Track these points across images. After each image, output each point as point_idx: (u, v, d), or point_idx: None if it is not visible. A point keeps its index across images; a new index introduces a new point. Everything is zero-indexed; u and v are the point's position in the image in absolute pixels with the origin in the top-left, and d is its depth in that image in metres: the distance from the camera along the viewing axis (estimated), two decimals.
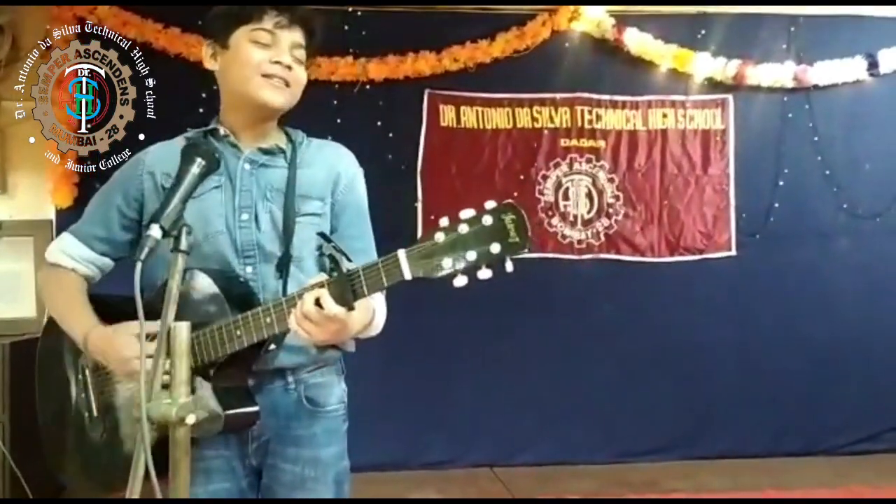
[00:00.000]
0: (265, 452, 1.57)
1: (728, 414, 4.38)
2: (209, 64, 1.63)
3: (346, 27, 4.06)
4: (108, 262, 1.65)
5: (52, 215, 3.98)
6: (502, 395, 4.25)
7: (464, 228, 1.18)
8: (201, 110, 3.92)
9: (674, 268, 4.41)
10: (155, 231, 1.20)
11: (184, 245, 1.22)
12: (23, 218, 4.03)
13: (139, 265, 1.17)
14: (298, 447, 1.57)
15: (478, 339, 4.21)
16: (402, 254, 1.21)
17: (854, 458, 4.35)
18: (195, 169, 1.29)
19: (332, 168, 1.64)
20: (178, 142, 1.64)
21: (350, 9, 4.05)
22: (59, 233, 4.09)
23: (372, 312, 1.49)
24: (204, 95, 3.92)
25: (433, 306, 3.53)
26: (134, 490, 1.05)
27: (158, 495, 1.06)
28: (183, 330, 1.16)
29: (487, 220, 1.17)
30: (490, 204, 1.18)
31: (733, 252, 4.45)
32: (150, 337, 1.20)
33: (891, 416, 4.46)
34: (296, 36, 1.56)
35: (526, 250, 1.16)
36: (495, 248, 1.15)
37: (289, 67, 1.55)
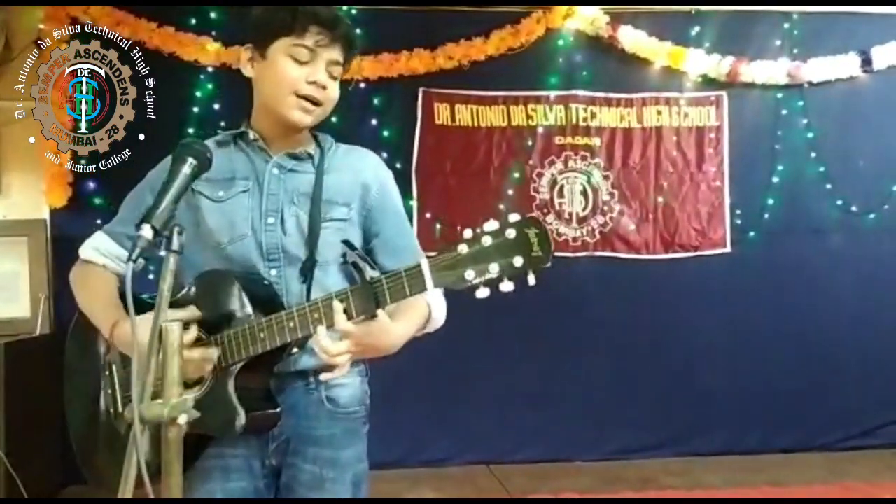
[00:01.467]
0: (285, 452, 1.58)
1: (723, 410, 4.39)
2: (246, 70, 1.60)
3: None
4: (139, 260, 1.65)
5: (46, 215, 3.97)
6: (499, 393, 4.26)
7: (487, 241, 1.19)
8: (196, 109, 3.93)
9: (669, 265, 4.42)
10: (146, 231, 1.20)
11: (175, 245, 1.22)
12: (17, 218, 4.03)
13: (130, 265, 1.17)
14: (318, 447, 1.58)
15: (474, 338, 4.20)
16: (425, 264, 1.23)
17: (849, 454, 4.37)
18: (186, 169, 1.29)
19: (359, 174, 1.64)
20: (209, 143, 1.63)
21: (345, 7, 4.05)
22: (53, 232, 4.11)
23: (423, 318, 1.56)
24: (199, 94, 3.93)
25: None
26: (126, 490, 1.05)
27: (151, 495, 1.07)
28: (175, 330, 1.16)
29: (511, 233, 1.18)
30: (514, 217, 1.20)
31: (728, 249, 4.46)
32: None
33: (885, 411, 4.47)
34: (334, 53, 1.55)
35: (548, 265, 1.17)
36: (518, 261, 1.17)
37: (324, 87, 1.54)
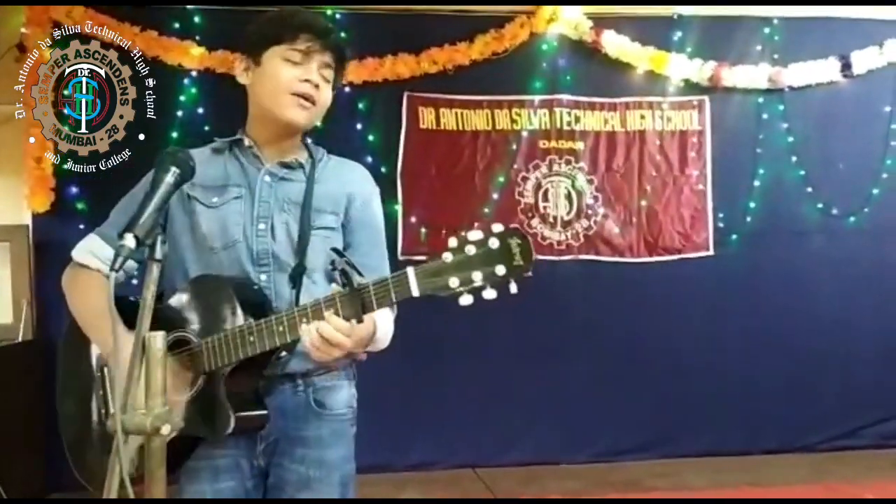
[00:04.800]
0: (273, 452, 1.60)
1: (707, 412, 4.42)
2: (242, 78, 1.67)
3: None
4: (132, 265, 1.63)
5: (28, 220, 3.93)
6: (484, 396, 4.26)
7: (471, 250, 1.23)
8: (180, 113, 3.92)
9: (652, 268, 4.45)
10: (129, 241, 1.20)
11: (158, 254, 1.22)
12: None
13: (112, 275, 1.17)
14: (305, 448, 1.61)
15: (459, 341, 4.21)
16: (410, 271, 1.27)
17: (831, 454, 4.41)
18: (169, 178, 1.30)
19: (347, 186, 1.69)
20: (205, 150, 1.67)
21: (329, 11, 4.05)
22: (35, 238, 4.07)
23: (372, 328, 1.53)
24: (182, 98, 3.92)
25: (414, 310, 3.54)
26: (111, 493, 1.06)
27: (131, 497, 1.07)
28: (158, 340, 1.16)
29: (494, 242, 1.22)
30: (497, 227, 1.24)
31: (711, 252, 4.50)
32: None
33: (866, 413, 4.52)
34: (326, 58, 1.62)
35: (529, 273, 1.21)
36: (500, 270, 1.21)
37: (317, 86, 1.60)
